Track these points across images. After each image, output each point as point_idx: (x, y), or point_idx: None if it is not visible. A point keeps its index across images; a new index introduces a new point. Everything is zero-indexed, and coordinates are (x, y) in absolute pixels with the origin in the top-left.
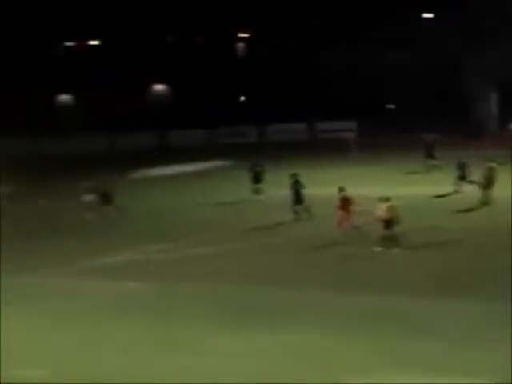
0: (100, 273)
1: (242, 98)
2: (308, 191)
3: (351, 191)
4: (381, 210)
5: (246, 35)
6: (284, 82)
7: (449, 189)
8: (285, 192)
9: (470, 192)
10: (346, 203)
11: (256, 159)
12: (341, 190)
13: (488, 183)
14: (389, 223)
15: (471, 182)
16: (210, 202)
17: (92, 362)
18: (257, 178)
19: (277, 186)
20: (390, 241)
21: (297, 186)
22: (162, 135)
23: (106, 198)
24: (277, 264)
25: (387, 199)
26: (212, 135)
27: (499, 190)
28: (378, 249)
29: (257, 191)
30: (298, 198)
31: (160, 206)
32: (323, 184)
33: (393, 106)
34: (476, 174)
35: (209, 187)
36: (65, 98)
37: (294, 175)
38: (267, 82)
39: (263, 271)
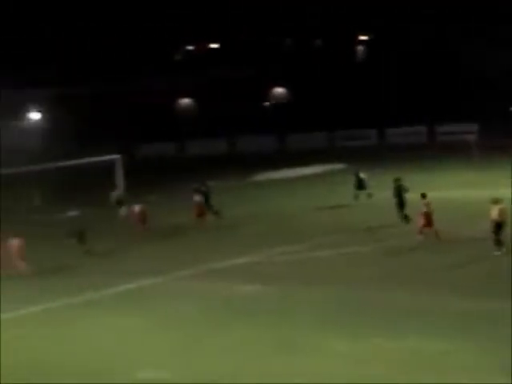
0: (221, 275)
1: (361, 101)
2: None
3: (470, 194)
4: (493, 212)
5: (365, 38)
6: (403, 85)
7: None
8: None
9: None
10: (428, 209)
11: (372, 163)
12: (423, 196)
13: None
14: (499, 225)
15: None
16: (328, 205)
17: (211, 363)
18: (360, 184)
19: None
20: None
21: (400, 190)
22: (281, 138)
23: (207, 201)
24: (399, 267)
25: (498, 201)
26: (331, 138)
27: None
28: (497, 252)
29: (356, 197)
30: (401, 202)
31: (279, 209)
32: (441, 188)
33: None
34: None
35: (327, 190)
36: (185, 101)
37: (397, 179)
38: (386, 85)
39: (386, 274)
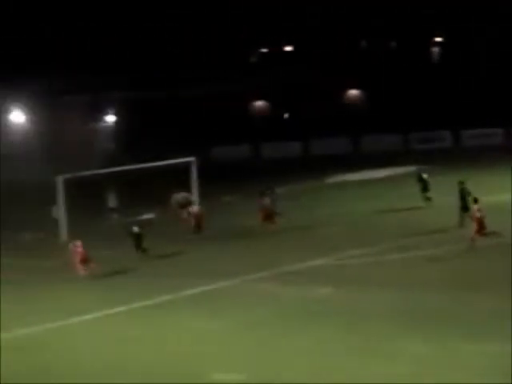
0: (294, 277)
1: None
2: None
3: None
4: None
5: (440, 39)
6: (479, 86)
7: None
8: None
9: None
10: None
11: (447, 165)
12: (475, 201)
13: None
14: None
15: None
16: (402, 208)
17: (285, 365)
18: (425, 187)
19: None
20: None
21: (463, 194)
22: (356, 140)
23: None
24: (474, 269)
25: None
26: (406, 140)
27: None
28: None
29: (427, 199)
30: (464, 205)
31: (353, 211)
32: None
33: None
34: None
35: (401, 193)
36: (259, 103)
37: (461, 182)
38: (462, 86)
39: (458, 277)
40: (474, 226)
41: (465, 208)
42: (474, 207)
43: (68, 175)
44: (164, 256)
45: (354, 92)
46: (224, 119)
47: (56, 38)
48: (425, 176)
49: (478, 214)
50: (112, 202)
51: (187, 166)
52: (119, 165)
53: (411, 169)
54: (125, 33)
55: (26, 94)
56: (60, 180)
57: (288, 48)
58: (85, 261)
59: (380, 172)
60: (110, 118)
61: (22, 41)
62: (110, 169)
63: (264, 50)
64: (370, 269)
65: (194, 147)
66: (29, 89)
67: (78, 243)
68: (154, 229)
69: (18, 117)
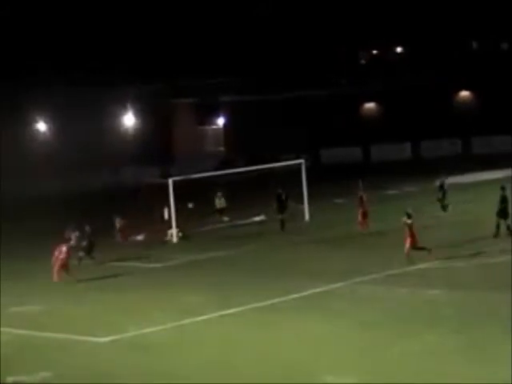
0: (403, 279)
1: None
2: None
3: None
4: None
5: None
6: None
7: None
8: None
9: None
10: None
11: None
12: None
13: None
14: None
15: None
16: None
17: (396, 368)
18: (443, 195)
19: None
20: None
21: (504, 199)
22: (467, 142)
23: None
24: None
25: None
26: None
27: None
28: None
29: (444, 207)
30: (503, 212)
31: (463, 213)
32: None
33: None
34: None
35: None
36: (370, 105)
37: (503, 188)
38: None
39: None
40: None
41: (501, 214)
42: None
43: (177, 177)
44: (276, 258)
45: (465, 93)
46: (333, 122)
47: (164, 43)
48: (445, 185)
49: None
50: (220, 203)
51: (297, 167)
52: (228, 167)
53: None
54: (233, 37)
55: (137, 98)
56: (170, 182)
57: (398, 49)
58: (65, 266)
59: (491, 174)
60: (219, 121)
61: (130, 47)
62: (218, 171)
63: (375, 52)
64: (479, 271)
65: (304, 149)
66: (139, 92)
67: (64, 248)
68: (264, 230)
69: (129, 120)
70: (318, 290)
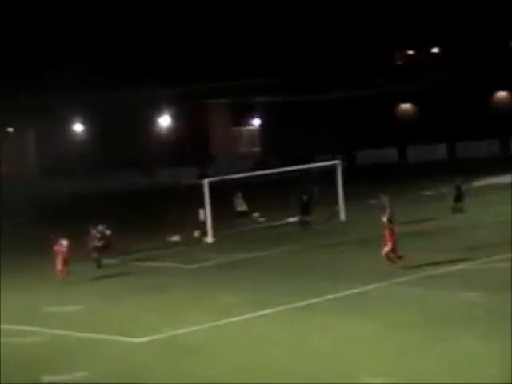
0: (439, 281)
1: None
2: None
3: None
4: None
5: None
6: None
7: None
8: None
9: None
10: None
11: None
12: None
13: None
14: None
15: None
16: None
17: (432, 371)
18: (458, 197)
19: None
20: None
21: None
22: (503, 143)
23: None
24: None
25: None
26: None
27: None
28: None
29: (454, 209)
30: None
31: (498, 214)
32: None
33: None
34: None
35: None
36: (406, 106)
37: None
38: None
39: None
40: None
41: None
42: None
43: (213, 178)
44: (311, 258)
45: (502, 93)
46: (370, 122)
47: (200, 44)
48: (461, 187)
49: None
50: (240, 205)
51: (332, 168)
52: (264, 168)
53: None
54: (271, 37)
55: (172, 99)
56: (205, 183)
57: (435, 50)
58: (66, 263)
59: None
60: (255, 122)
61: (166, 48)
62: (254, 172)
63: (410, 53)
64: None
65: (340, 150)
66: (174, 93)
67: (64, 243)
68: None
69: (164, 121)
70: (353, 291)
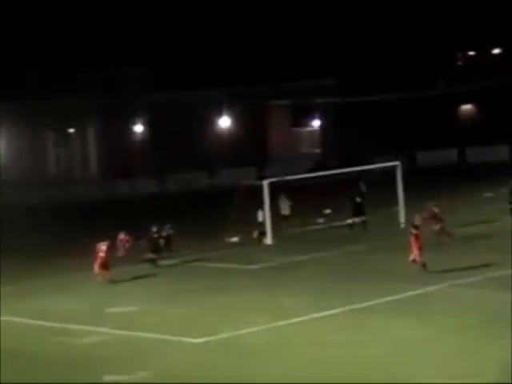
0: (500, 283)
1: None
2: None
3: None
4: None
5: None
6: None
7: None
8: None
9: None
10: None
11: None
12: None
13: None
14: None
15: None
16: None
17: (489, 373)
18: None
19: None
20: None
21: None
22: None
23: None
24: None
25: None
26: None
27: None
28: None
29: None
30: None
31: None
32: None
33: None
34: None
35: None
36: (467, 107)
37: None
38: None
39: None
40: None
41: None
42: None
43: (273, 179)
44: (372, 260)
45: None
46: (430, 123)
47: (260, 46)
48: None
49: None
50: (284, 209)
51: (392, 169)
52: (323, 168)
53: None
54: (331, 39)
55: (232, 100)
56: (265, 184)
57: (496, 51)
58: (105, 266)
59: None
60: (315, 123)
61: (227, 50)
62: (314, 173)
63: (471, 53)
64: None
65: (400, 151)
66: (234, 95)
67: (104, 246)
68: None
69: (224, 122)
70: (414, 292)
